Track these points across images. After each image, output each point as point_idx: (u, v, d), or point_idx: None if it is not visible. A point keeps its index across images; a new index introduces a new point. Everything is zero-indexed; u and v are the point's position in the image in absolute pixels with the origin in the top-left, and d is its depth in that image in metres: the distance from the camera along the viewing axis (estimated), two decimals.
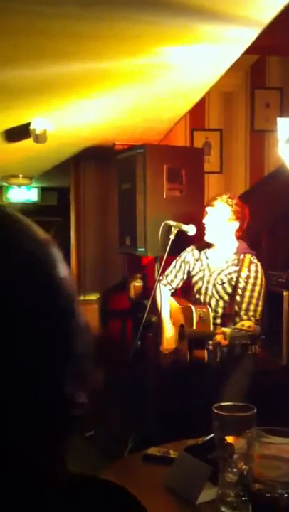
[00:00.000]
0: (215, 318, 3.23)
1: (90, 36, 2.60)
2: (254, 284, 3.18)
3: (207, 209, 3.30)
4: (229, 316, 3.18)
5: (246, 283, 3.16)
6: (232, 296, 3.21)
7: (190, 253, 3.45)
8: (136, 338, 3.46)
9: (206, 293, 3.30)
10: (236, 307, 3.11)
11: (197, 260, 3.40)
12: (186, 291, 3.66)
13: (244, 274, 3.16)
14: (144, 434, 3.59)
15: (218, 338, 2.94)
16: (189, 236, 3.48)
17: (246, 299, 3.15)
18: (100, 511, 0.61)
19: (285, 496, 1.57)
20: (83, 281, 5.74)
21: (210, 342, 3.13)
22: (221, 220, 3.25)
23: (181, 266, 3.48)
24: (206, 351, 3.23)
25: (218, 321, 3.22)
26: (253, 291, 3.17)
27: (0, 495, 0.54)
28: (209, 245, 3.35)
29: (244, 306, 3.13)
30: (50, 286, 0.59)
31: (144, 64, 3.00)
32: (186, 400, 3.30)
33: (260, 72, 5.65)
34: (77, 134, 4.65)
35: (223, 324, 3.17)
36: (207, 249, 3.37)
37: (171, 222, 3.48)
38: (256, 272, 3.20)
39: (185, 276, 3.48)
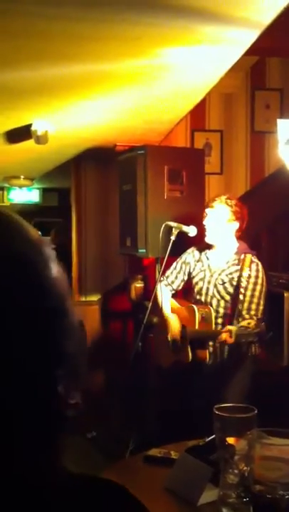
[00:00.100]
0: (216, 318, 3.24)
1: (90, 38, 2.60)
2: (255, 284, 3.18)
3: (207, 210, 3.30)
4: (230, 316, 3.19)
5: (248, 282, 3.16)
6: (233, 296, 3.21)
7: (190, 254, 3.45)
8: (137, 339, 3.46)
9: (206, 293, 3.31)
10: (240, 306, 3.11)
11: (198, 261, 3.40)
12: (186, 294, 3.66)
13: (246, 273, 3.17)
14: (145, 435, 3.59)
15: (224, 336, 2.94)
16: (190, 237, 3.49)
17: (248, 299, 3.15)
18: (100, 510, 0.61)
19: (286, 497, 1.57)
20: (84, 282, 5.74)
21: (215, 341, 3.13)
22: (221, 220, 3.25)
23: (181, 267, 3.48)
24: (207, 351, 3.23)
25: (220, 321, 3.23)
26: (254, 290, 3.17)
27: (0, 495, 0.55)
28: (210, 246, 3.36)
29: (246, 305, 3.13)
30: (41, 286, 0.58)
31: (144, 65, 3.00)
32: (187, 401, 3.30)
33: (260, 73, 5.65)
34: (78, 135, 4.66)
35: (224, 324, 3.17)
36: (208, 250, 3.37)
37: (172, 223, 3.49)
38: (257, 271, 3.21)
39: (185, 278, 3.48)
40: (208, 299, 3.29)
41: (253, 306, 3.15)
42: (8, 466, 0.55)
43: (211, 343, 3.25)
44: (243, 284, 3.15)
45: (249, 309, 3.13)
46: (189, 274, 3.45)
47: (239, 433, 1.54)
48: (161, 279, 3.50)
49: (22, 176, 7.62)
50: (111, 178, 5.25)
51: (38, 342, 0.57)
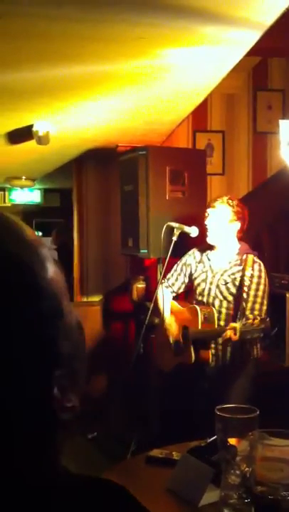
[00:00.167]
0: (219, 319, 3.23)
1: (90, 38, 2.60)
2: (258, 283, 3.18)
3: (208, 211, 3.30)
4: (233, 316, 3.19)
5: (251, 282, 3.16)
6: (236, 296, 3.21)
7: (191, 256, 3.45)
8: (138, 341, 3.46)
9: (209, 294, 3.30)
10: (244, 304, 3.11)
11: (199, 262, 3.40)
12: (188, 296, 3.66)
13: (248, 273, 3.17)
14: (147, 435, 3.59)
15: (229, 333, 2.94)
16: (192, 238, 3.49)
17: (251, 298, 3.15)
18: (100, 511, 0.61)
19: (288, 498, 1.57)
20: (86, 283, 5.74)
21: (219, 338, 3.13)
22: (223, 221, 3.25)
23: (182, 269, 3.48)
24: (210, 352, 3.23)
25: (222, 322, 3.22)
26: (257, 290, 3.17)
27: (0, 495, 0.55)
28: (211, 247, 3.35)
29: (249, 305, 3.13)
30: (37, 287, 0.58)
31: (145, 66, 3.00)
32: (189, 402, 3.30)
33: (262, 74, 5.65)
34: (80, 136, 4.66)
35: (227, 325, 3.17)
36: (209, 251, 3.37)
37: (174, 224, 3.49)
38: (260, 271, 3.21)
39: (186, 280, 3.48)
40: (211, 300, 3.29)
41: (257, 306, 3.15)
42: (7, 467, 0.55)
43: (213, 345, 3.24)
44: (246, 283, 3.15)
45: (253, 309, 3.13)
46: (190, 275, 3.44)
47: (241, 434, 1.54)
48: (162, 281, 3.50)
49: (23, 177, 7.63)
50: (112, 179, 5.24)
51: (34, 342, 0.56)
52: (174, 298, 3.57)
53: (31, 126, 4.04)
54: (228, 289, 3.25)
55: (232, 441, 1.54)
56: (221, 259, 3.32)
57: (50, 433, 0.58)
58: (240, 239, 3.33)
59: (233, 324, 2.99)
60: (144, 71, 3.08)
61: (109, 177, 5.54)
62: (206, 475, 1.67)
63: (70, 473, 0.62)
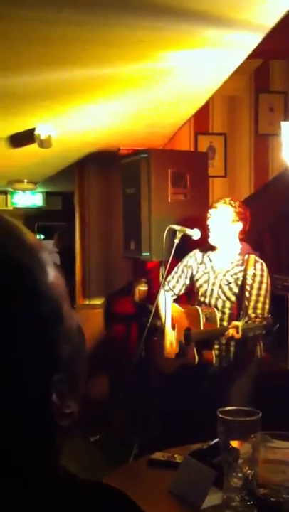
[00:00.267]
0: (222, 320, 3.23)
1: (92, 42, 2.60)
2: (261, 282, 3.18)
3: (210, 211, 3.30)
4: (237, 316, 3.18)
5: (253, 281, 3.16)
6: (239, 296, 3.21)
7: (192, 257, 3.44)
8: (140, 344, 3.46)
9: (211, 295, 3.30)
10: (246, 302, 3.11)
11: (200, 263, 3.40)
12: (191, 298, 3.66)
13: (250, 272, 3.17)
14: (150, 438, 3.59)
15: (231, 331, 2.95)
16: (194, 240, 3.49)
17: (254, 298, 3.15)
18: None
19: None
20: (88, 286, 5.74)
21: (222, 338, 3.12)
22: (225, 221, 3.25)
23: (183, 271, 3.48)
24: (213, 353, 3.23)
25: (225, 322, 3.22)
26: (260, 289, 3.17)
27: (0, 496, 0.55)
28: (212, 248, 3.35)
29: (252, 304, 3.13)
30: (36, 291, 0.58)
31: (147, 69, 3.01)
32: (192, 403, 3.29)
33: (263, 76, 5.65)
34: (82, 140, 4.67)
35: (230, 325, 3.16)
36: (210, 252, 3.36)
37: (176, 227, 3.49)
38: (262, 270, 3.21)
39: (188, 282, 3.48)
40: (213, 301, 3.28)
41: (259, 305, 3.15)
42: (6, 468, 0.55)
43: (216, 346, 3.24)
44: (249, 282, 3.15)
45: (255, 308, 3.13)
46: (192, 277, 3.44)
47: (243, 436, 1.54)
48: (163, 284, 3.50)
49: (25, 180, 7.64)
50: (114, 182, 5.25)
51: (34, 345, 0.56)
52: (176, 300, 3.57)
53: (33, 129, 4.05)
54: (230, 289, 3.25)
55: (234, 443, 1.54)
56: (223, 259, 3.32)
57: (49, 435, 0.58)
58: (241, 240, 3.33)
59: (235, 323, 3.00)
60: (146, 74, 3.08)
61: (111, 180, 5.54)
62: (208, 477, 1.67)
63: (70, 474, 0.62)
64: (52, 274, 0.61)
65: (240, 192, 5.37)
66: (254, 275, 3.18)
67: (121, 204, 4.51)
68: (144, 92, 3.43)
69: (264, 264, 3.25)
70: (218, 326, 3.20)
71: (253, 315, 3.07)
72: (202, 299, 3.35)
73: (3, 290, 0.55)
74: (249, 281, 3.15)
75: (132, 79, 3.17)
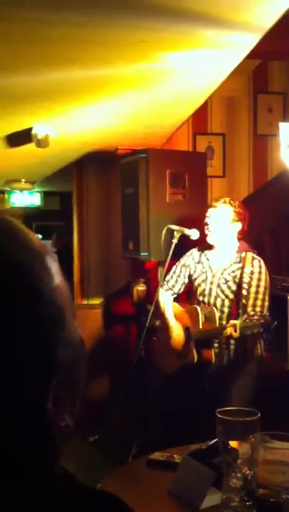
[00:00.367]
0: (221, 318, 3.23)
1: (91, 43, 2.60)
2: (259, 280, 3.18)
3: (210, 210, 3.30)
4: (235, 314, 3.18)
5: (251, 278, 3.16)
6: (237, 294, 3.20)
7: (190, 257, 3.44)
8: (140, 344, 3.46)
9: (210, 294, 3.30)
10: (244, 301, 3.11)
11: (198, 263, 3.40)
12: (190, 297, 3.66)
13: (248, 269, 3.17)
14: (149, 438, 3.59)
15: (229, 330, 2.95)
16: (192, 240, 3.49)
17: (252, 295, 3.14)
18: None
19: None
20: (86, 286, 5.74)
21: (220, 337, 3.12)
22: (224, 221, 3.25)
23: (181, 270, 3.48)
24: (212, 352, 3.23)
25: (225, 321, 3.22)
26: (258, 286, 3.17)
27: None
28: (210, 247, 3.35)
29: (251, 301, 3.13)
30: (36, 292, 0.58)
31: (145, 70, 3.01)
32: (192, 403, 3.30)
33: (262, 76, 5.66)
34: (80, 139, 4.67)
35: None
36: (207, 251, 3.36)
37: (174, 227, 3.49)
38: (260, 267, 3.20)
39: (186, 281, 3.48)
40: (212, 300, 3.28)
41: (259, 303, 3.14)
42: (6, 468, 0.55)
43: (216, 345, 3.24)
44: (246, 280, 3.14)
45: (254, 305, 3.13)
46: (190, 276, 3.44)
47: (242, 437, 1.54)
48: (162, 284, 3.50)
49: (23, 180, 7.63)
50: (113, 182, 5.25)
51: (33, 345, 0.56)
52: (175, 299, 3.57)
53: (30, 129, 4.05)
54: (229, 287, 3.24)
55: (233, 444, 1.54)
56: (220, 258, 3.31)
57: (49, 435, 0.58)
58: (239, 239, 3.33)
59: (233, 321, 3.00)
60: (145, 75, 3.08)
61: (109, 180, 5.54)
62: (207, 478, 1.67)
63: (70, 474, 0.62)
64: (57, 279, 0.61)
65: (238, 192, 5.38)
66: (252, 273, 3.17)
67: (119, 204, 4.51)
68: (142, 93, 3.43)
69: (262, 261, 3.25)
70: (218, 324, 3.20)
71: (252, 312, 3.07)
72: (201, 298, 3.34)
73: (2, 290, 0.55)
74: (247, 279, 3.15)
75: (130, 79, 3.17)
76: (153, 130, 4.42)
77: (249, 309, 3.10)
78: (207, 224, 3.29)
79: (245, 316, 3.03)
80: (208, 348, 3.23)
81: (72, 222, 5.99)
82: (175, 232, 3.46)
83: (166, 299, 3.50)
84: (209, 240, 3.30)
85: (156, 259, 3.95)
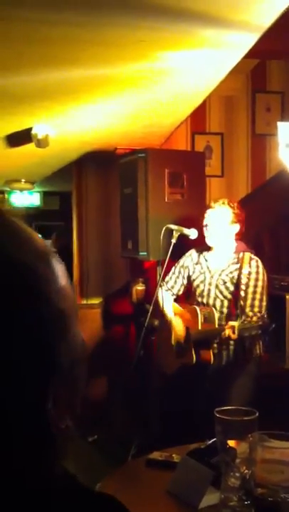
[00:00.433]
0: (220, 319, 3.23)
1: (91, 42, 2.61)
2: (256, 280, 3.18)
3: (209, 212, 3.30)
4: (235, 315, 3.19)
5: (248, 279, 3.16)
6: (235, 294, 3.21)
7: (188, 258, 3.44)
8: (139, 344, 3.46)
9: (208, 295, 3.30)
10: (241, 302, 3.11)
11: (196, 264, 3.40)
12: (189, 298, 3.66)
13: (245, 270, 3.17)
14: (148, 437, 3.59)
15: (228, 332, 2.95)
16: (191, 240, 3.49)
17: (250, 295, 3.15)
18: None
19: (288, 500, 1.57)
20: (85, 285, 5.74)
21: (219, 338, 3.12)
22: (224, 222, 3.26)
23: (180, 271, 3.48)
24: (211, 352, 3.23)
25: (224, 322, 3.22)
26: (256, 286, 3.17)
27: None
28: (208, 248, 3.35)
29: (249, 302, 3.13)
30: (40, 298, 0.58)
31: (145, 69, 3.01)
32: (191, 403, 3.30)
33: (260, 76, 5.66)
34: (79, 139, 4.67)
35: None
36: (206, 252, 3.37)
37: (173, 226, 3.49)
38: (257, 267, 3.21)
39: (185, 282, 3.48)
40: (211, 301, 3.29)
41: (256, 303, 3.15)
42: (6, 467, 0.56)
43: (215, 345, 3.24)
44: (244, 281, 3.15)
45: (252, 306, 3.13)
46: (189, 277, 3.44)
47: (241, 436, 1.54)
48: (161, 284, 3.50)
49: (23, 180, 7.63)
50: (112, 182, 5.25)
51: (32, 345, 0.56)
52: (175, 300, 3.57)
53: (30, 129, 4.05)
54: (227, 288, 3.25)
55: (232, 443, 1.54)
56: (218, 259, 3.32)
57: (48, 435, 0.58)
58: (237, 240, 3.33)
59: (231, 323, 3.00)
60: (144, 74, 3.09)
61: (108, 180, 5.54)
62: (205, 477, 1.68)
63: (70, 475, 0.62)
64: (62, 281, 0.61)
65: (237, 192, 5.38)
66: (249, 273, 3.18)
67: (118, 204, 4.51)
68: (142, 92, 3.43)
69: (259, 261, 3.25)
70: (217, 325, 3.20)
71: (250, 313, 3.07)
72: (200, 299, 3.35)
73: (3, 289, 0.55)
74: (244, 279, 3.15)
75: (130, 79, 3.17)
76: (152, 130, 4.42)
77: (247, 310, 3.10)
78: (206, 225, 3.29)
79: (243, 317, 3.03)
80: (207, 349, 3.23)
81: (71, 222, 5.99)
82: (174, 232, 3.46)
83: (165, 298, 3.50)
84: (209, 241, 3.31)
85: (155, 258, 3.95)
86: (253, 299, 3.15)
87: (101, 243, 5.70)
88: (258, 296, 3.16)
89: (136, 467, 2.08)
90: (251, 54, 2.97)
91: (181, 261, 3.48)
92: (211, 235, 3.28)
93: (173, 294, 3.53)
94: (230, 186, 5.53)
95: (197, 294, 3.37)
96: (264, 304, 3.17)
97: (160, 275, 3.53)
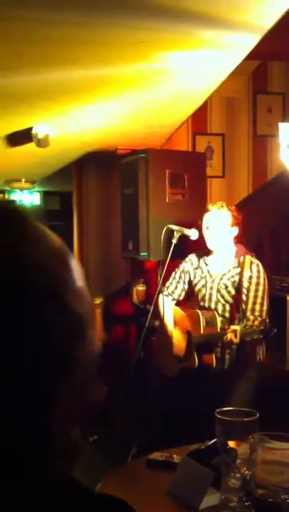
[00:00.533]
0: (223, 323, 3.23)
1: (91, 43, 2.61)
2: (257, 284, 3.18)
3: (209, 215, 3.29)
4: (237, 319, 3.18)
5: (250, 283, 3.16)
6: (237, 298, 3.21)
7: (188, 263, 3.44)
8: (139, 345, 3.46)
9: (210, 299, 3.30)
10: (243, 306, 3.11)
11: (196, 268, 3.39)
12: (190, 300, 3.65)
13: (247, 274, 3.17)
14: (149, 438, 3.59)
15: (230, 336, 2.95)
16: (191, 240, 3.48)
17: (251, 299, 3.14)
18: None
19: (288, 501, 1.57)
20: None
21: (220, 342, 3.12)
22: (224, 226, 3.25)
23: (180, 276, 3.47)
24: (213, 356, 3.23)
25: (227, 325, 3.21)
26: (257, 290, 3.17)
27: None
28: (208, 252, 3.35)
29: (250, 306, 3.13)
30: (57, 304, 0.56)
31: (145, 70, 3.01)
32: (192, 405, 3.29)
33: (261, 77, 5.66)
34: (80, 139, 4.67)
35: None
36: (206, 257, 3.36)
37: (174, 227, 3.48)
38: (258, 271, 3.20)
39: (186, 286, 3.47)
40: (213, 305, 3.28)
41: (257, 307, 3.14)
42: (7, 467, 0.55)
43: (217, 349, 3.24)
44: (245, 284, 3.15)
45: (253, 310, 3.13)
46: (190, 282, 3.44)
47: (241, 437, 1.54)
48: (162, 289, 3.49)
49: (23, 179, 7.64)
50: (113, 182, 5.25)
51: (37, 344, 0.55)
52: (176, 304, 3.57)
53: (31, 128, 4.05)
54: (229, 292, 3.25)
55: (232, 444, 1.54)
56: (219, 263, 3.31)
57: (48, 436, 0.58)
58: (236, 243, 3.33)
59: (233, 327, 3.00)
60: (145, 75, 3.09)
61: (109, 180, 5.54)
62: (206, 478, 1.67)
63: (69, 487, 0.62)
64: (79, 283, 0.59)
65: (238, 193, 5.38)
66: (250, 277, 3.17)
67: (119, 204, 4.51)
68: (142, 93, 3.43)
69: (260, 264, 3.24)
70: (219, 329, 3.20)
71: (251, 317, 3.07)
72: (202, 303, 3.34)
73: (9, 288, 0.54)
74: (246, 283, 3.15)
75: (130, 79, 3.17)
76: (153, 130, 4.42)
77: (248, 313, 3.10)
78: (207, 228, 3.28)
79: (245, 321, 3.03)
80: (210, 353, 3.23)
81: (72, 222, 5.99)
82: (175, 232, 3.45)
83: (166, 305, 3.49)
84: (210, 244, 3.30)
85: (156, 259, 3.95)
86: (254, 303, 3.15)
87: (101, 243, 5.70)
88: (258, 300, 3.16)
89: (136, 467, 2.08)
90: (252, 55, 2.97)
91: (181, 266, 3.47)
92: (212, 238, 3.28)
93: (174, 299, 3.53)
94: (231, 187, 5.53)
95: (199, 298, 3.36)
96: (265, 308, 3.16)
97: (161, 276, 3.52)
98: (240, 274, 3.19)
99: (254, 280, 3.17)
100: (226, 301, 3.25)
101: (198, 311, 3.25)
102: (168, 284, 3.51)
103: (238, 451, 1.52)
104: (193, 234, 3.46)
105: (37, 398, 0.56)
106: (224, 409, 1.61)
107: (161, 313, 3.49)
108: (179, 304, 3.58)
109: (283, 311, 4.09)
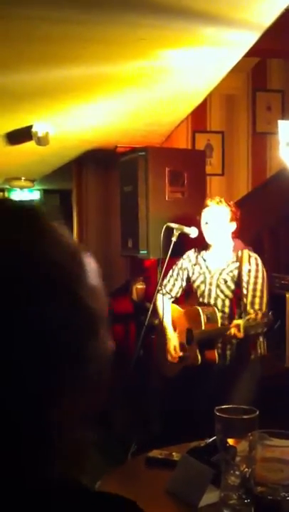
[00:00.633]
0: (223, 318, 3.23)
1: (91, 40, 2.61)
2: (256, 277, 3.18)
3: (208, 211, 3.29)
4: (237, 314, 3.18)
5: (249, 277, 3.16)
6: (237, 292, 3.20)
7: (186, 259, 3.43)
8: (138, 343, 3.45)
9: (209, 295, 3.29)
10: (244, 299, 3.11)
11: (195, 264, 3.39)
12: (189, 297, 3.65)
13: (246, 268, 3.17)
14: (148, 436, 3.59)
15: (233, 330, 2.94)
16: (191, 238, 3.48)
17: (250, 293, 3.14)
18: None
19: (288, 498, 1.57)
20: None
21: (224, 337, 3.12)
22: (223, 221, 3.25)
23: (178, 273, 3.47)
24: (216, 352, 3.22)
25: (227, 321, 3.21)
26: (255, 283, 3.16)
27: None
28: (205, 248, 3.34)
29: (249, 299, 3.12)
30: (71, 301, 0.56)
31: (145, 67, 3.01)
32: (192, 403, 3.29)
33: (261, 74, 5.66)
34: (79, 137, 4.66)
35: (231, 323, 3.16)
36: (204, 252, 3.36)
37: (173, 225, 3.48)
38: (257, 265, 3.20)
39: (184, 284, 3.47)
40: (213, 301, 3.28)
41: (257, 300, 3.14)
42: (7, 467, 0.55)
43: (219, 345, 3.24)
44: (245, 278, 3.15)
45: (253, 303, 3.12)
46: (188, 279, 3.43)
47: (240, 434, 1.54)
48: (159, 288, 3.48)
49: (23, 178, 7.63)
50: (112, 180, 5.25)
51: (34, 343, 0.55)
52: (174, 301, 3.57)
53: (30, 126, 4.04)
54: (228, 287, 3.24)
55: (232, 441, 1.54)
56: (217, 258, 3.31)
57: (48, 436, 0.58)
58: (234, 239, 3.33)
59: (236, 321, 2.99)
60: (145, 72, 3.08)
61: (108, 178, 5.54)
62: (205, 476, 1.67)
63: (76, 488, 0.62)
64: (94, 281, 0.59)
65: (237, 190, 5.38)
66: (249, 271, 3.17)
67: (119, 202, 4.51)
68: (142, 91, 3.43)
69: (258, 258, 3.24)
70: (220, 324, 3.19)
71: (251, 310, 3.07)
72: (201, 299, 3.34)
73: (37, 297, 0.54)
74: (245, 277, 3.15)
75: (130, 77, 3.17)
76: (152, 128, 4.42)
77: (248, 307, 3.10)
78: (206, 223, 3.28)
79: (247, 315, 3.02)
80: (212, 349, 3.22)
81: (71, 220, 5.98)
82: (174, 230, 3.45)
83: (164, 306, 3.49)
84: (209, 239, 3.30)
85: (155, 257, 3.94)
86: (254, 296, 3.15)
87: (101, 241, 5.70)
88: (258, 293, 3.16)
89: (135, 465, 2.08)
90: (252, 52, 2.97)
91: (179, 263, 3.47)
92: (211, 232, 3.27)
93: (171, 297, 3.52)
94: (230, 185, 5.52)
95: (198, 294, 3.36)
96: (264, 300, 3.16)
97: (160, 274, 3.52)
98: (239, 268, 3.19)
99: (253, 273, 3.17)
100: (226, 296, 3.25)
101: (198, 308, 3.24)
102: (165, 282, 3.51)
103: (238, 449, 1.52)
104: (192, 232, 3.46)
105: (37, 398, 0.56)
106: (224, 406, 1.61)
107: (160, 314, 3.49)
108: (177, 301, 3.57)
109: (283, 309, 4.09)
